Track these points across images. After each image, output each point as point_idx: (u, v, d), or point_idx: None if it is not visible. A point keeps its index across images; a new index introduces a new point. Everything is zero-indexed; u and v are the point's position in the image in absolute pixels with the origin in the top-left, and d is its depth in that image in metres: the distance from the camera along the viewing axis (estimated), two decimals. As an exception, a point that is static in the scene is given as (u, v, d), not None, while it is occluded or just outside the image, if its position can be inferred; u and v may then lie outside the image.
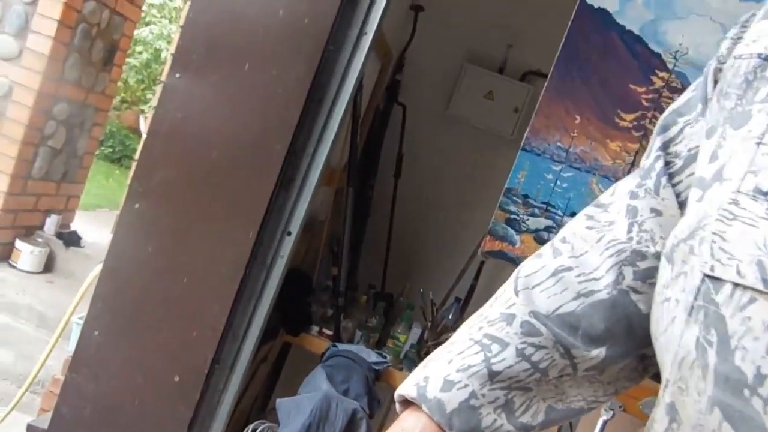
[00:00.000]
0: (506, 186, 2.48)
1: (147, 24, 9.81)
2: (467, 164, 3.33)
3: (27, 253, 3.92)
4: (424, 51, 3.23)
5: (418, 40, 3.16)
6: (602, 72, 2.35)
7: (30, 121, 3.80)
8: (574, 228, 0.76)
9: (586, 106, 2.38)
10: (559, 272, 0.73)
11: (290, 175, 1.69)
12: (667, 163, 0.70)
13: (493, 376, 0.70)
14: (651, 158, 0.72)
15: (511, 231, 2.51)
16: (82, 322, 1.77)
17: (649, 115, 2.34)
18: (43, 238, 4.13)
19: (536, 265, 0.75)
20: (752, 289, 0.49)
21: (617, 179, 2.43)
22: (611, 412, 2.16)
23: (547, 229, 2.47)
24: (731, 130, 0.57)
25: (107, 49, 4.31)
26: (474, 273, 3.09)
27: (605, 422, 2.17)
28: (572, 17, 2.34)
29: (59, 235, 4.20)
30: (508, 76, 3.25)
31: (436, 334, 2.67)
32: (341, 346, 2.43)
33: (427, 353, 2.59)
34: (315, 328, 2.61)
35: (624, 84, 2.34)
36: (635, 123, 2.36)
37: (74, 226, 4.51)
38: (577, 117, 2.39)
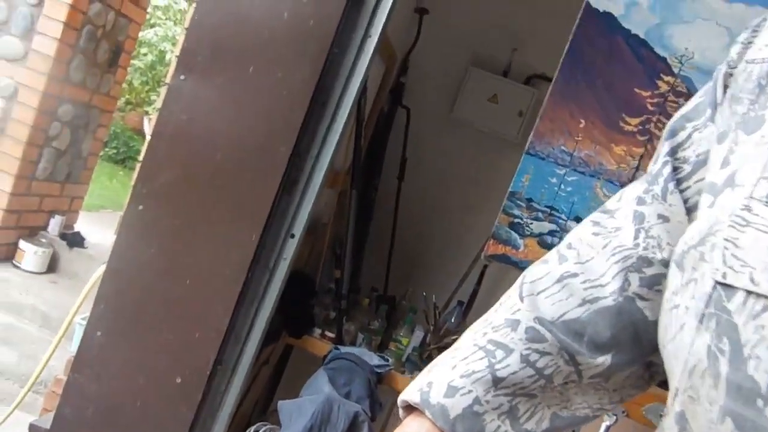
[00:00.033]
0: (510, 189, 2.48)
1: (152, 26, 9.84)
2: (471, 167, 3.32)
3: (31, 254, 3.93)
4: (428, 54, 3.23)
5: (423, 43, 3.16)
6: (607, 76, 2.35)
7: (35, 122, 3.81)
8: (580, 234, 0.75)
9: (590, 110, 2.37)
10: (564, 278, 0.72)
11: (294, 178, 1.68)
12: (675, 169, 0.69)
13: (497, 382, 0.69)
14: (658, 164, 0.71)
15: (515, 235, 2.50)
16: (85, 322, 1.77)
17: (654, 119, 2.33)
18: (47, 239, 4.14)
19: (541, 271, 0.74)
20: (766, 297, 0.48)
21: (621, 183, 2.44)
22: (614, 418, 2.16)
23: (551, 233, 2.47)
24: (744, 135, 0.56)
25: (112, 51, 4.32)
26: (477, 277, 3.09)
27: (608, 427, 2.17)
28: (577, 21, 2.34)
29: (63, 236, 4.21)
30: (513, 79, 3.25)
31: (439, 337, 2.67)
32: (343, 349, 2.43)
33: (430, 356, 2.59)
34: (317, 331, 2.60)
35: (629, 88, 2.34)
36: (640, 127, 2.35)
37: (78, 227, 4.52)
38: (582, 121, 2.38)
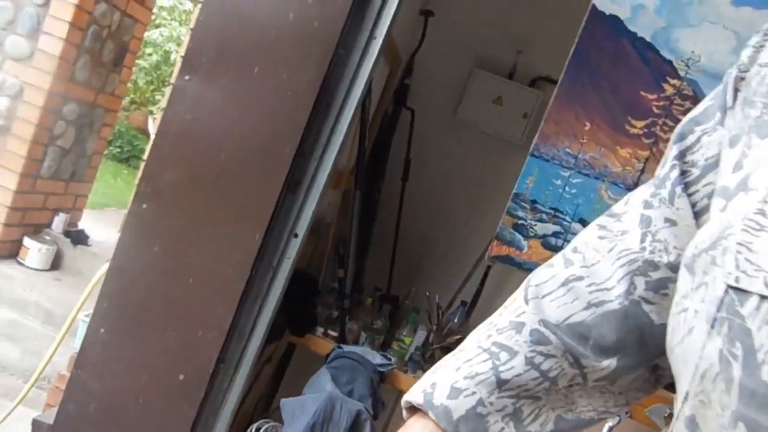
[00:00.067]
0: (514, 191, 2.48)
1: (157, 26, 9.85)
2: (475, 169, 3.32)
3: (35, 251, 3.94)
4: (433, 56, 3.23)
5: (428, 44, 3.16)
6: (613, 78, 2.34)
7: (40, 120, 3.82)
8: (585, 238, 0.75)
9: (596, 113, 2.37)
10: (569, 282, 0.72)
11: (298, 178, 1.69)
12: (683, 173, 0.69)
13: (501, 384, 0.69)
14: (666, 167, 0.71)
15: (519, 236, 2.50)
16: (88, 319, 1.77)
17: (660, 122, 2.33)
18: (51, 236, 4.15)
19: (547, 274, 0.74)
20: None
21: (626, 186, 2.43)
22: (617, 419, 2.16)
23: (555, 234, 2.47)
24: (757, 139, 0.56)
25: (117, 51, 4.33)
26: (480, 277, 3.09)
27: (611, 428, 2.16)
28: (583, 23, 2.34)
29: (67, 234, 4.22)
30: (518, 81, 3.25)
31: (441, 337, 2.67)
32: (346, 348, 2.43)
33: (432, 356, 2.59)
34: (320, 330, 2.61)
35: (635, 91, 2.33)
36: (646, 130, 2.35)
37: (82, 225, 4.53)
38: (587, 123, 2.38)
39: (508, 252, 2.52)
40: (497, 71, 3.26)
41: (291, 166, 1.63)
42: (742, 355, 0.48)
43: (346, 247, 2.81)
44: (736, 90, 0.64)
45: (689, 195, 0.68)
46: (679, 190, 0.68)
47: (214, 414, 1.74)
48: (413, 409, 0.73)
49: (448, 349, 2.65)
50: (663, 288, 0.68)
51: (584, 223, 2.41)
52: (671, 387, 0.67)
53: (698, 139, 0.69)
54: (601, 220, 0.76)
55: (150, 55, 9.72)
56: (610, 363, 0.69)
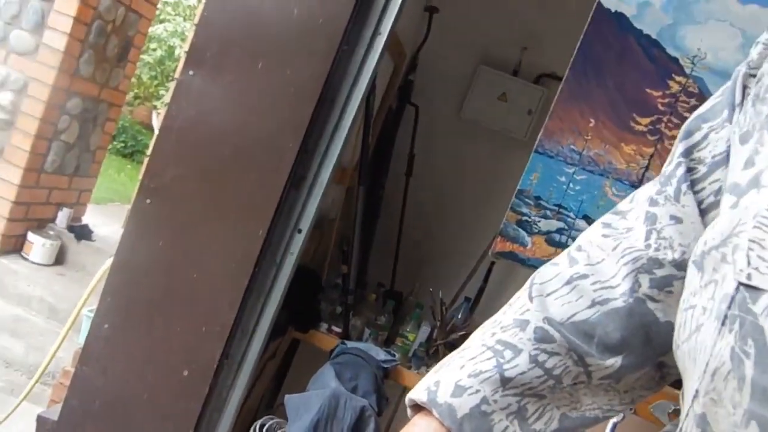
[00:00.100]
0: (518, 187, 2.47)
1: (161, 21, 9.86)
2: (479, 165, 3.32)
3: (39, 246, 3.95)
4: (438, 52, 3.22)
5: (432, 40, 3.16)
6: (618, 75, 2.34)
7: (44, 115, 3.83)
8: (590, 236, 0.75)
9: (601, 110, 2.36)
10: (574, 280, 0.71)
11: (301, 174, 1.69)
12: (690, 170, 0.68)
13: (505, 382, 0.69)
14: (672, 165, 0.71)
15: (523, 232, 2.50)
16: (92, 314, 1.78)
17: (665, 119, 2.32)
18: (55, 231, 4.16)
19: (551, 272, 0.74)
20: None
21: (631, 183, 2.43)
22: (621, 415, 2.15)
23: (559, 231, 2.46)
24: None
25: (122, 46, 4.33)
26: (484, 273, 3.09)
27: (615, 425, 2.16)
28: (589, 20, 2.33)
29: (71, 229, 4.23)
30: (522, 78, 3.24)
31: (445, 333, 2.67)
32: (350, 344, 2.43)
33: (436, 352, 2.59)
34: (324, 326, 2.61)
35: (640, 88, 2.33)
36: (651, 127, 2.34)
37: (86, 220, 4.54)
38: (592, 120, 2.37)
39: (512, 248, 2.52)
40: (502, 68, 3.25)
41: (295, 162, 1.63)
42: (755, 353, 0.48)
43: (350, 243, 2.81)
44: (745, 87, 0.64)
45: (695, 192, 0.68)
46: (684, 187, 0.68)
47: (218, 410, 1.74)
48: (417, 408, 0.73)
49: (452, 345, 2.66)
50: (668, 285, 0.67)
51: (588, 219, 2.41)
52: (676, 384, 0.66)
53: (705, 136, 0.68)
54: (606, 218, 0.75)
55: (154, 50, 9.73)
56: (614, 361, 0.69)
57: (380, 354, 2.41)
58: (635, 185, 2.34)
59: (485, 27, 3.25)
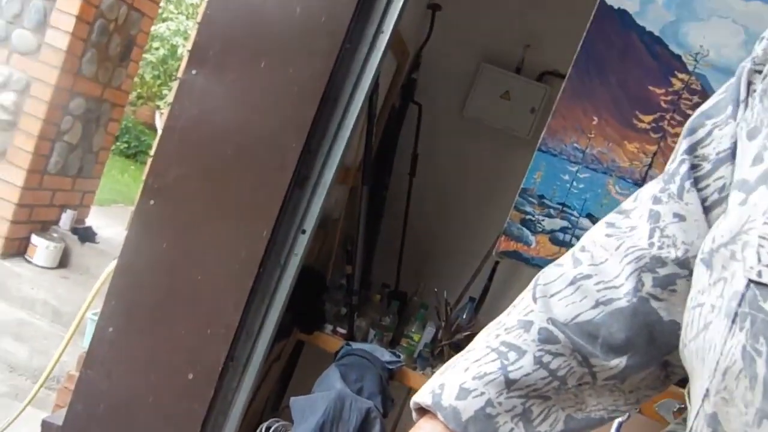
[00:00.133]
0: (522, 186, 2.47)
1: (164, 20, 9.86)
2: (483, 164, 3.31)
3: (42, 249, 3.94)
4: (440, 50, 3.22)
5: (435, 39, 3.15)
6: (621, 73, 2.33)
7: (47, 116, 3.82)
8: (594, 236, 0.74)
9: (604, 107, 2.35)
10: (578, 280, 0.71)
11: (305, 173, 1.68)
12: (694, 167, 0.68)
13: (510, 384, 0.69)
14: (676, 162, 0.70)
15: (527, 231, 2.49)
16: (96, 317, 1.77)
17: (668, 116, 2.31)
18: (59, 234, 4.15)
19: (555, 273, 0.74)
20: None
21: (634, 180, 2.42)
22: (626, 414, 2.15)
23: (563, 229, 2.45)
24: None
25: (124, 45, 4.33)
26: (488, 273, 3.08)
27: (620, 424, 2.15)
28: (591, 18, 2.32)
29: (74, 231, 4.22)
30: (525, 76, 3.23)
31: (450, 333, 2.67)
32: (355, 345, 2.43)
33: (441, 352, 2.58)
34: (329, 327, 2.60)
35: (643, 85, 2.32)
36: (653, 124, 2.33)
37: (89, 222, 4.53)
38: (595, 118, 2.37)
39: (516, 247, 2.51)
40: (505, 66, 3.25)
41: (298, 162, 1.63)
42: (767, 351, 0.47)
43: (354, 243, 2.80)
44: (750, 83, 0.63)
45: (699, 189, 0.67)
46: (688, 185, 0.68)
47: (223, 413, 1.74)
48: (422, 411, 0.72)
49: (456, 346, 2.65)
50: (671, 284, 0.67)
51: (592, 218, 2.40)
52: (680, 382, 0.66)
53: (709, 133, 0.68)
54: (610, 217, 0.75)
55: (157, 49, 9.73)
56: (619, 362, 0.69)
57: (385, 355, 2.40)
58: (638, 183, 2.33)
59: (488, 25, 3.24)
